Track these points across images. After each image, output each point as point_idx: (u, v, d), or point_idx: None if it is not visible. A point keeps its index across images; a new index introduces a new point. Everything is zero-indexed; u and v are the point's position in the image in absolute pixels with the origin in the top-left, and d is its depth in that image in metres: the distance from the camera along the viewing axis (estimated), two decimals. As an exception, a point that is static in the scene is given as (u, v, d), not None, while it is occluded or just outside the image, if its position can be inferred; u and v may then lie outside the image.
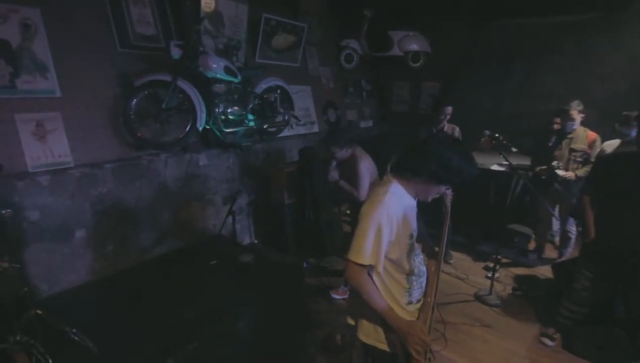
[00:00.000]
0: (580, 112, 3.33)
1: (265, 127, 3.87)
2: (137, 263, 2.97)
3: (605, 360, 2.46)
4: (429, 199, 1.50)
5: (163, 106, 2.99)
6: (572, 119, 3.34)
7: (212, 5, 3.54)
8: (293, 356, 2.46)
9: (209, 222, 3.62)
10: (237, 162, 3.82)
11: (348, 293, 2.95)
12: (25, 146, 2.52)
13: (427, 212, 1.85)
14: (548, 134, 3.70)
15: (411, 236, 1.49)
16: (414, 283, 1.52)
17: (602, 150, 3.16)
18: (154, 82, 2.97)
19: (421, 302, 1.58)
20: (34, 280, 2.48)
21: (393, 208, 1.38)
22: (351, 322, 1.65)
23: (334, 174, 2.94)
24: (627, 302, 2.51)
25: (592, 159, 3.26)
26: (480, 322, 2.96)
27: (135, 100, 2.91)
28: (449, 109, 3.70)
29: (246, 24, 3.91)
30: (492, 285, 3.26)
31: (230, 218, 3.19)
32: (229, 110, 3.47)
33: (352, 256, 1.38)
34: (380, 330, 1.50)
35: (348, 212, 4.32)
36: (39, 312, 1.70)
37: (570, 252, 3.67)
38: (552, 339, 2.67)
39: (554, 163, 3.40)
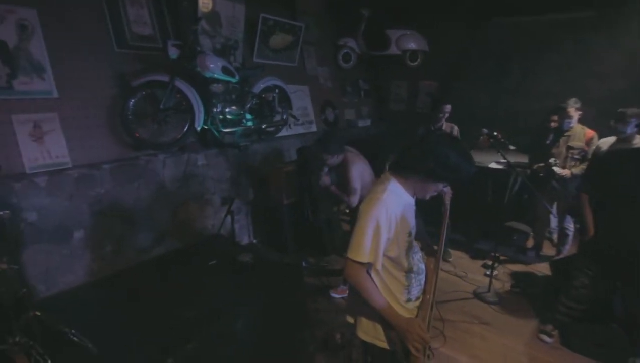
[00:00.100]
0: (577, 109, 3.35)
1: (263, 126, 3.86)
2: (135, 263, 2.97)
3: (603, 357, 2.47)
4: (427, 197, 1.51)
5: (161, 106, 2.99)
6: (570, 117, 3.36)
7: (210, 5, 3.54)
8: (292, 355, 2.46)
9: (208, 222, 3.62)
10: (235, 162, 3.82)
11: (347, 292, 2.96)
12: (23, 147, 2.51)
13: (426, 211, 1.85)
14: (546, 131, 3.72)
15: (410, 234, 1.49)
16: (413, 280, 1.53)
17: (597, 148, 3.17)
18: (152, 82, 2.96)
19: (420, 299, 1.59)
20: (32, 281, 2.47)
21: (391, 206, 1.39)
22: (350, 320, 1.66)
23: (325, 180, 2.94)
24: (625, 300, 2.52)
25: (589, 156, 3.28)
26: (479, 319, 2.97)
27: (132, 100, 2.90)
28: (448, 107, 3.71)
29: (243, 23, 3.91)
30: (490, 282, 3.27)
31: (228, 218, 3.19)
32: (227, 110, 3.47)
33: (351, 254, 1.39)
34: (379, 327, 1.51)
35: (347, 211, 4.33)
36: (38, 313, 1.70)
37: (568, 249, 3.69)
38: (550, 336, 2.68)
39: (552, 160, 3.42)
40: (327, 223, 3.92)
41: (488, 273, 3.39)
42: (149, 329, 1.93)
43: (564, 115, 3.39)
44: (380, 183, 1.48)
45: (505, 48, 4.90)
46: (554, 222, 3.95)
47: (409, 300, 1.53)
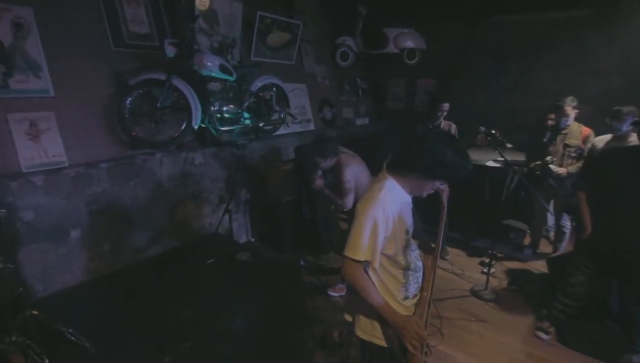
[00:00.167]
0: (574, 108, 3.36)
1: (261, 125, 3.86)
2: (133, 262, 2.96)
3: (599, 354, 2.49)
4: (424, 195, 1.51)
5: (158, 105, 2.98)
6: (567, 115, 3.37)
7: (207, 4, 3.53)
8: (290, 354, 2.47)
9: (205, 220, 3.62)
10: (233, 161, 3.81)
11: (345, 290, 2.96)
12: (19, 146, 2.50)
13: (424, 209, 1.86)
14: (543, 129, 3.73)
15: (407, 232, 1.50)
16: (411, 278, 1.54)
17: (593, 145, 3.18)
18: (149, 81, 2.95)
19: (417, 297, 1.59)
20: (29, 281, 2.47)
21: (389, 204, 1.39)
22: (348, 318, 1.66)
23: (319, 183, 2.94)
24: (622, 298, 2.53)
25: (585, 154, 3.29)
26: (476, 316, 2.99)
27: (129, 99, 2.89)
28: (446, 106, 3.71)
29: (241, 22, 3.90)
30: (487, 280, 3.28)
31: (226, 217, 3.19)
32: (225, 109, 3.46)
33: (348, 252, 1.39)
34: (377, 325, 1.51)
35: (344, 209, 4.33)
36: (35, 312, 1.69)
37: (565, 246, 3.70)
38: (546, 333, 2.70)
39: (548, 158, 3.43)
40: (325, 221, 3.93)
41: (485, 271, 3.40)
42: (146, 328, 1.93)
43: (561, 113, 3.40)
44: (378, 181, 1.48)
45: (503, 46, 4.90)
46: (550, 219, 3.97)
47: (406, 298, 1.54)
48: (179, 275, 2.51)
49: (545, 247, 4.04)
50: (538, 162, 3.54)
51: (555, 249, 3.80)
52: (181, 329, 1.91)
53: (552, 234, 4.01)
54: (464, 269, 3.71)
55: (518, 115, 4.70)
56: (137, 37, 3.14)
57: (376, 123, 6.11)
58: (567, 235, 3.67)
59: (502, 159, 3.15)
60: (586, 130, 3.38)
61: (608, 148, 2.93)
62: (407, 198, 1.49)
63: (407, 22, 5.32)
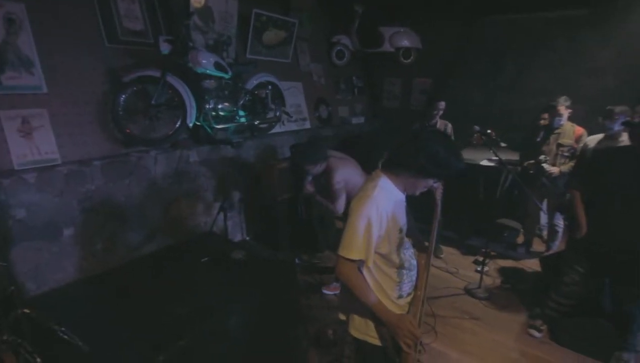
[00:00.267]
0: (567, 107, 3.39)
1: (256, 123, 3.84)
2: (126, 260, 2.94)
3: (592, 351, 2.52)
4: (417, 193, 1.51)
5: (152, 102, 2.96)
6: (560, 115, 3.39)
7: (202, 0, 3.50)
8: (285, 352, 2.46)
9: (200, 219, 3.60)
10: (228, 159, 3.80)
11: (339, 288, 2.97)
12: (11, 143, 2.47)
13: (418, 207, 1.86)
14: (536, 129, 3.76)
15: (401, 230, 1.50)
16: (405, 277, 1.54)
17: (585, 145, 3.21)
18: (143, 78, 2.93)
19: (411, 295, 1.60)
20: (21, 279, 2.45)
21: (382, 202, 1.39)
22: (342, 317, 1.67)
23: (309, 188, 2.94)
24: (615, 297, 2.55)
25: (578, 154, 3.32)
26: (470, 314, 3.01)
27: (123, 96, 2.87)
28: (442, 104, 3.72)
29: (236, 19, 3.88)
30: (481, 278, 3.30)
31: (221, 215, 3.18)
32: (220, 106, 3.44)
33: (342, 251, 1.39)
34: (371, 324, 1.52)
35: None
36: (27, 310, 1.68)
37: (558, 245, 3.74)
38: (539, 331, 2.72)
39: (541, 158, 3.46)
40: (321, 220, 3.92)
41: (479, 269, 3.43)
42: (140, 326, 1.92)
43: (554, 113, 3.43)
44: (371, 180, 1.49)
45: (499, 45, 4.91)
46: (543, 218, 4.00)
47: (400, 297, 1.54)
48: (173, 274, 2.50)
49: (538, 246, 4.08)
50: (531, 161, 3.57)
51: (548, 248, 3.83)
52: (175, 327, 1.90)
53: (545, 233, 4.05)
54: (458, 267, 3.73)
55: (515, 114, 4.72)
56: (132, 33, 3.11)
57: (372, 122, 6.11)
58: (560, 234, 3.71)
59: (497, 158, 3.17)
60: (579, 130, 3.41)
61: (600, 148, 2.95)
62: (400, 197, 1.49)
63: (403, 21, 5.31)
